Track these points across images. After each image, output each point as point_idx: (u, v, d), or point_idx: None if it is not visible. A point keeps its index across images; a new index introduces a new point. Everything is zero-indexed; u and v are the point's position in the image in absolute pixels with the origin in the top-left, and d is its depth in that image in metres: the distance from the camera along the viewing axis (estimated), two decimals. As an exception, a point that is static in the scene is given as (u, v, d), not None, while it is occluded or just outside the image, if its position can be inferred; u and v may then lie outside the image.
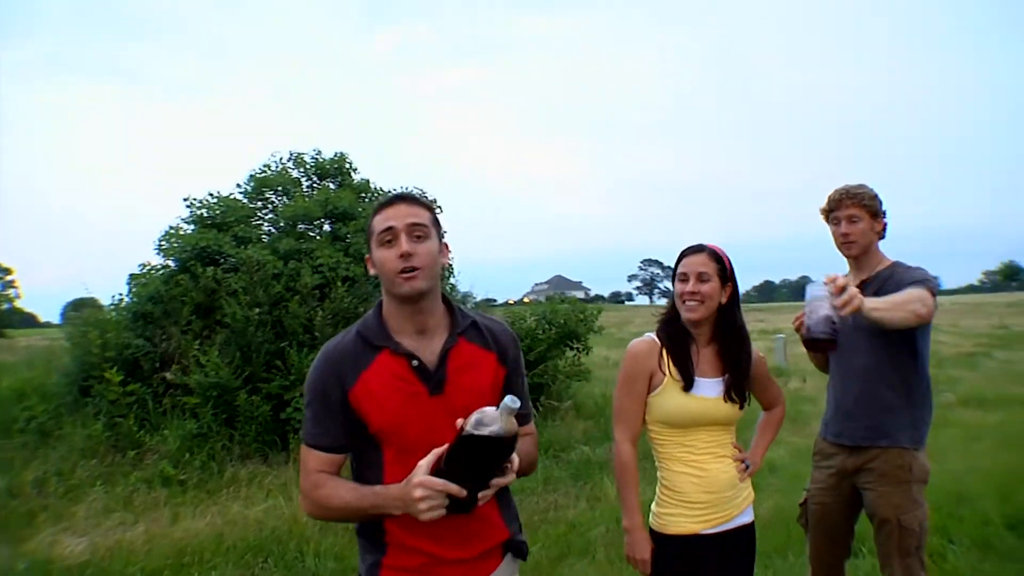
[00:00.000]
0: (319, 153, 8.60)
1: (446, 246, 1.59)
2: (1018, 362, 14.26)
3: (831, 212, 2.45)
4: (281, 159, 8.43)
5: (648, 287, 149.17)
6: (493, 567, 1.55)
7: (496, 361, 1.57)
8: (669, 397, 1.96)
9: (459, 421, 1.30)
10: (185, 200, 7.39)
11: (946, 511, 4.23)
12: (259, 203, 8.04)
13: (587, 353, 8.50)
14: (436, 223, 1.55)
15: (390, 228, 1.47)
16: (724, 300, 1.99)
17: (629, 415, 2.00)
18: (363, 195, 8.53)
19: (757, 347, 2.13)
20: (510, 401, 1.28)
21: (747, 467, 2.09)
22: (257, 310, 6.20)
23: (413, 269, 1.45)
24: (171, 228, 7.20)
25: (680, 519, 1.96)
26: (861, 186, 2.41)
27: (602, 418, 7.64)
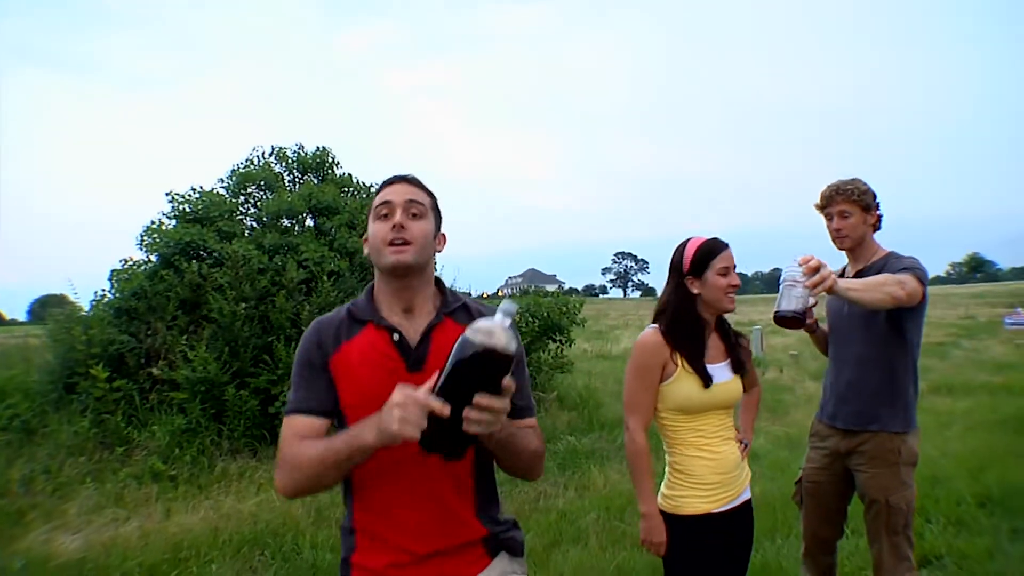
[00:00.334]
0: (301, 148, 8.58)
1: (443, 236, 1.58)
2: (983, 351, 14.72)
3: (824, 208, 2.56)
4: (263, 154, 8.39)
5: (622, 280, 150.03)
6: (478, 568, 1.50)
7: None
8: (685, 385, 2.04)
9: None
10: (167, 195, 7.33)
11: (923, 492, 4.39)
12: (241, 198, 8.00)
13: (570, 345, 8.60)
14: (435, 209, 1.55)
15: (387, 202, 1.47)
16: None
17: (643, 405, 2.07)
18: (346, 189, 8.54)
19: None
20: (507, 305, 1.19)
21: (745, 446, 2.21)
22: (243, 305, 6.20)
23: (404, 242, 1.44)
24: (153, 223, 7.15)
25: (694, 500, 2.05)
26: (852, 181, 2.52)
27: (585, 409, 7.76)
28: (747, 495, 2.17)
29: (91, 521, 4.48)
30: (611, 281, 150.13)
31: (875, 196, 2.53)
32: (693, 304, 2.09)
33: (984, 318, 25.26)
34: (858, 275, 2.49)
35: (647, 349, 2.08)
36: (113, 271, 7.00)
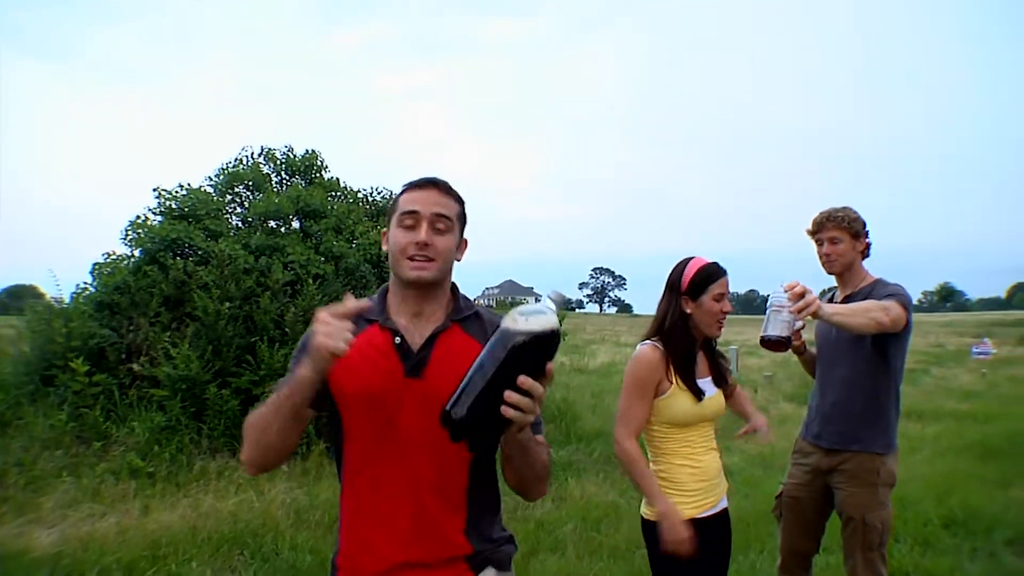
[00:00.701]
0: (291, 150, 8.59)
1: (465, 242, 1.53)
2: (952, 379, 15.08)
3: (815, 233, 2.67)
4: (252, 154, 8.38)
5: (599, 295, 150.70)
6: None
7: None
8: (679, 401, 2.12)
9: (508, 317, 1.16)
10: (154, 190, 7.29)
11: (893, 514, 4.56)
12: (229, 197, 7.98)
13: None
14: (462, 217, 1.50)
15: (414, 212, 1.42)
16: None
17: (636, 418, 2.14)
18: (333, 193, 8.56)
19: None
20: (555, 293, 1.17)
21: (758, 430, 2.36)
22: (228, 304, 6.18)
23: (425, 259, 1.41)
24: (138, 218, 7.10)
25: (678, 506, 2.13)
26: (843, 209, 2.63)
27: (563, 421, 7.81)
28: (725, 503, 2.26)
29: (66, 516, 4.43)
30: (588, 296, 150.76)
31: (864, 224, 2.64)
32: (688, 323, 2.16)
33: (953, 347, 25.83)
34: (846, 300, 2.60)
35: (647, 365, 2.14)
36: (95, 264, 6.93)
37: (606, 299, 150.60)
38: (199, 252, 6.82)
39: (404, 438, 1.41)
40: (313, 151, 8.68)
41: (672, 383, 2.13)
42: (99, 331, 6.16)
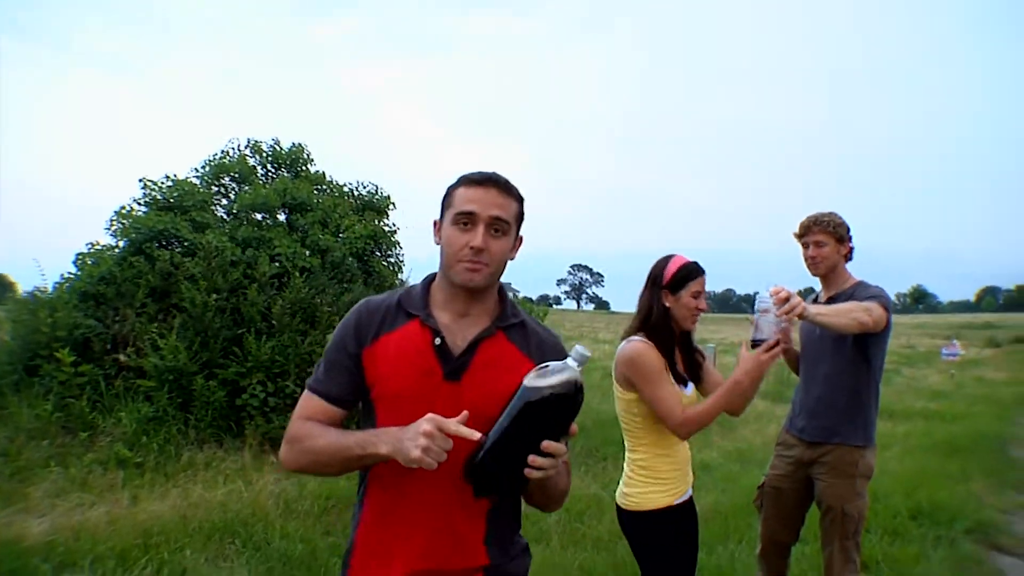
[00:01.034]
0: (277, 143, 8.59)
1: (520, 239, 1.48)
2: (922, 379, 15.52)
3: (801, 237, 2.81)
4: (239, 146, 8.37)
5: (576, 292, 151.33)
6: None
7: None
8: None
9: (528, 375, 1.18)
10: (140, 181, 7.27)
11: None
12: (215, 189, 7.97)
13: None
14: (519, 218, 1.45)
15: (471, 213, 1.36)
16: None
17: (673, 395, 2.16)
18: (319, 187, 8.59)
19: None
20: (580, 350, 1.17)
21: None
22: (215, 296, 6.20)
23: (479, 264, 1.36)
24: (124, 208, 7.08)
25: (655, 495, 2.24)
26: (828, 214, 2.77)
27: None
28: (691, 491, 2.36)
29: (55, 505, 4.44)
30: (566, 292, 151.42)
31: (848, 229, 2.78)
32: (669, 316, 2.26)
33: (924, 348, 26.51)
34: (830, 301, 2.74)
35: (654, 356, 2.19)
36: (79, 255, 6.90)
37: (584, 296, 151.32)
38: (185, 243, 6.82)
39: None
40: (300, 144, 8.69)
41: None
42: (84, 321, 6.15)
